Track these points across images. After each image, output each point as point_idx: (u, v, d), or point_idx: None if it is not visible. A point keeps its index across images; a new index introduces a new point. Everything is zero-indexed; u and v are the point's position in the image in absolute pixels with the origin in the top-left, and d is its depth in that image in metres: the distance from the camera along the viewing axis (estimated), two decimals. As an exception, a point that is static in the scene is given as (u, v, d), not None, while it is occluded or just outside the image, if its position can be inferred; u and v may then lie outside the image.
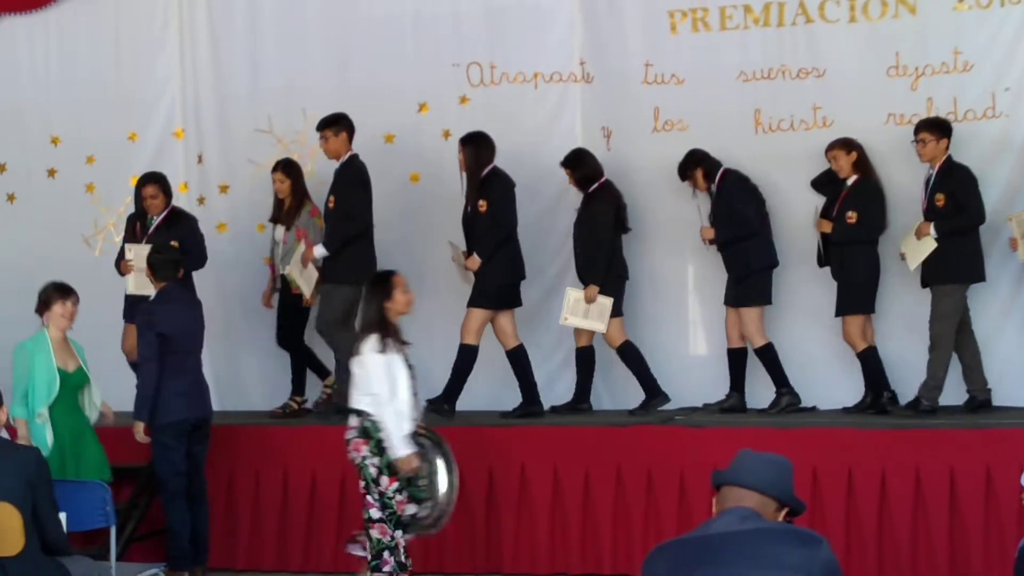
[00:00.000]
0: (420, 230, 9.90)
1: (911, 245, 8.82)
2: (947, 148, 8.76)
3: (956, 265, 8.71)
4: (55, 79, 10.71)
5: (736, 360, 9.31)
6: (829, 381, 9.29)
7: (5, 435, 6.80)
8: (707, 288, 9.61)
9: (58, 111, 10.65)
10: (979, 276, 8.82)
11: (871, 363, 8.98)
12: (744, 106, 9.51)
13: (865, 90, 9.27)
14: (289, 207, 9.68)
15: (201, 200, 10.46)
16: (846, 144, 9.03)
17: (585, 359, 9.48)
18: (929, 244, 8.71)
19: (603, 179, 9.37)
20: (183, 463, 8.38)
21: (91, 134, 10.53)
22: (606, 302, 9.17)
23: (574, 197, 9.59)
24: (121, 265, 9.47)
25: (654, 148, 9.60)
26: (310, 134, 10.07)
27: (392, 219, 9.71)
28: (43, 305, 8.15)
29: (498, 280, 9.21)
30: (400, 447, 7.32)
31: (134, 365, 9.13)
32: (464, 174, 9.29)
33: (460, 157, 9.30)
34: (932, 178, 8.80)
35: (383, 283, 7.55)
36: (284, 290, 9.73)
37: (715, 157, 9.30)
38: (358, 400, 7.42)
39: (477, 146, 9.26)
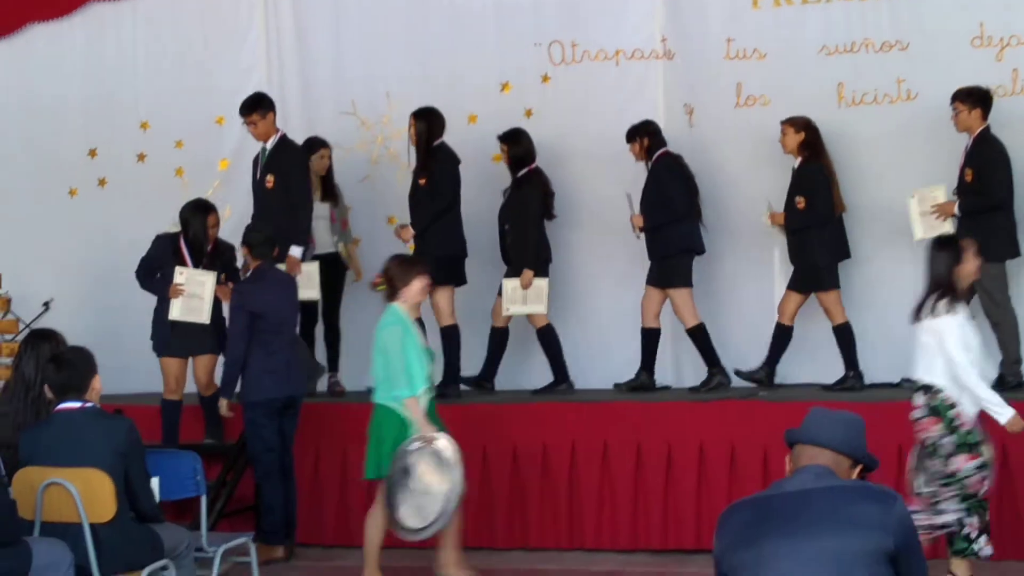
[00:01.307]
0: (502, 208, 9.95)
1: (926, 218, 8.78)
2: (983, 117, 8.70)
3: (990, 243, 8.49)
4: (143, 65, 10.85)
5: (648, 340, 9.38)
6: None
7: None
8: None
9: (147, 97, 10.80)
10: (1014, 252, 8.77)
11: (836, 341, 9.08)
12: (827, 80, 9.47)
13: (949, 61, 9.19)
14: (328, 185, 9.86)
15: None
16: (797, 123, 9.08)
17: (498, 339, 9.61)
18: (945, 226, 8.66)
19: (534, 164, 9.48)
20: (274, 439, 8.47)
21: (179, 119, 10.67)
22: (542, 283, 9.35)
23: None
24: (171, 289, 8.85)
25: (737, 124, 9.60)
26: (394, 117, 10.19)
27: (476, 198, 9.72)
28: (399, 282, 7.62)
29: (436, 253, 9.27)
30: (1002, 409, 6.94)
31: (203, 399, 9.15)
32: (412, 147, 9.43)
33: (411, 131, 9.42)
34: (968, 149, 8.76)
35: (953, 246, 7.21)
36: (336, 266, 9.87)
37: (664, 137, 9.35)
38: (928, 371, 7.00)
39: (429, 120, 9.39)
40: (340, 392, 9.87)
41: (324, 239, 9.83)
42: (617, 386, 9.44)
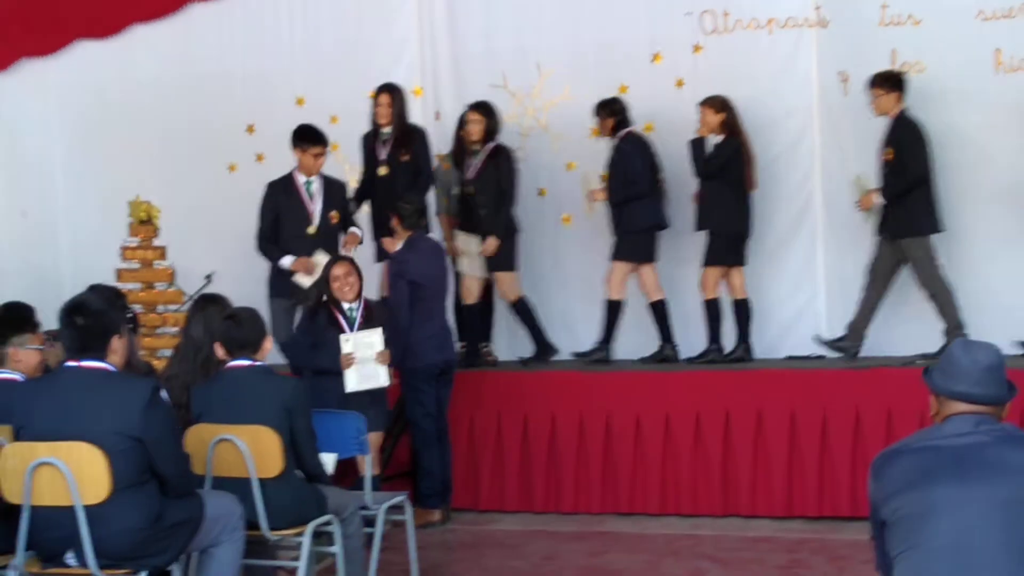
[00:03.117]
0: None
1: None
2: (899, 100, 8.87)
3: (915, 218, 8.83)
4: (299, 43, 11.01)
5: (611, 312, 9.54)
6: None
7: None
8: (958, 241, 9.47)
9: (302, 73, 10.95)
10: (935, 227, 8.90)
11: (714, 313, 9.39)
12: (984, 45, 9.31)
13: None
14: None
15: (439, 156, 10.70)
16: (715, 103, 9.25)
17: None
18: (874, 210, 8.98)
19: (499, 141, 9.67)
20: (433, 405, 8.63)
21: (334, 94, 10.79)
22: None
23: (810, 143, 9.74)
24: (342, 360, 7.97)
25: (892, 91, 9.46)
26: (544, 89, 10.25)
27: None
28: None
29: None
30: None
31: None
32: (385, 123, 9.58)
33: (383, 108, 9.57)
34: (886, 130, 8.89)
35: None
36: None
37: (630, 116, 9.50)
38: None
39: (402, 97, 9.59)
40: (493, 361, 9.98)
41: None
42: (578, 355, 9.68)
